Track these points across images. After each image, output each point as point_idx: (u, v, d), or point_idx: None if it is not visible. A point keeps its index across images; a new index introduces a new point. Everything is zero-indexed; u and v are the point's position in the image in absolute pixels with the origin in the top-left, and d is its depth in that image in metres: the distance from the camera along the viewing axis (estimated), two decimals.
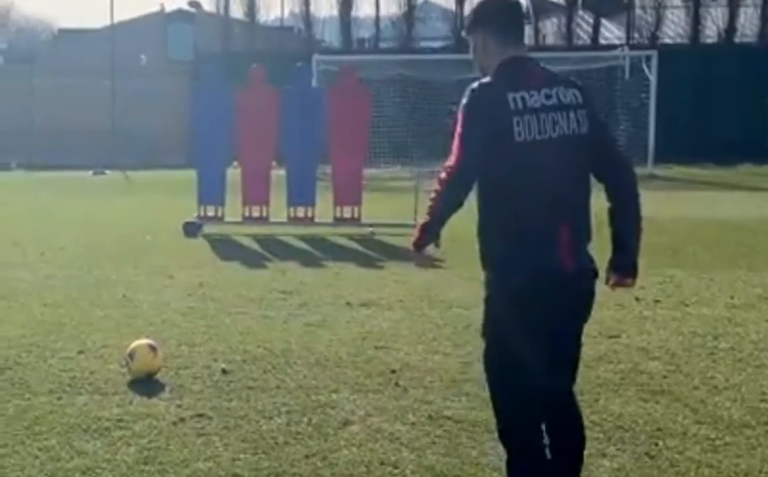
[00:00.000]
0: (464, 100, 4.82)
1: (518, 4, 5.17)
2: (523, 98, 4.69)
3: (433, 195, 4.99)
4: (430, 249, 5.20)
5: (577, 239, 4.89)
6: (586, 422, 6.80)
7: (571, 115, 4.78)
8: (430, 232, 5.09)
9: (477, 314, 10.07)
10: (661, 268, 12.97)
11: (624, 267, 5.13)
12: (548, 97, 4.75)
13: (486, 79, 4.87)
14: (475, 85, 4.85)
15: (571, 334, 5.10)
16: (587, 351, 8.60)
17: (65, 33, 50.62)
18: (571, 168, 4.79)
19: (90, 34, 44.05)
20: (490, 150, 4.71)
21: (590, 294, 5.02)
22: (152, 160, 34.33)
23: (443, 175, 4.92)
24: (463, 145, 4.80)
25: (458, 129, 4.81)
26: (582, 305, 5.03)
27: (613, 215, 5.08)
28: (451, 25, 42.33)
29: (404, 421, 6.93)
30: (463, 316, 10.19)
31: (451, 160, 4.88)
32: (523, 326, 4.80)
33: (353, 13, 42.34)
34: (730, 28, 39.53)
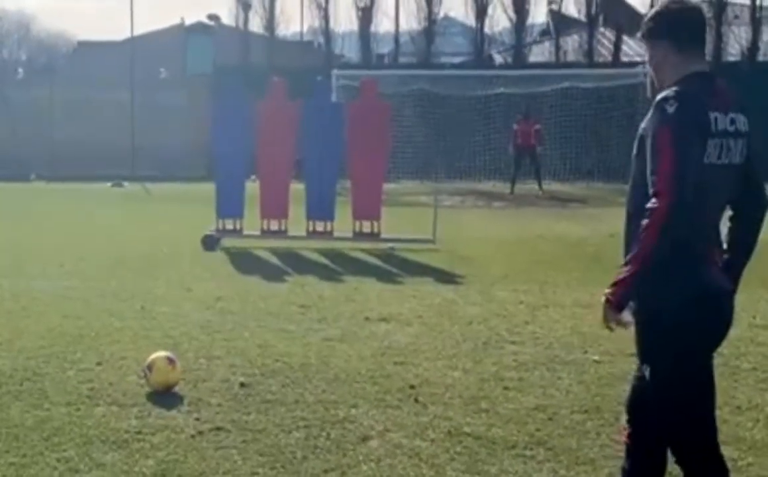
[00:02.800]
0: (670, 110, 4.37)
1: (702, 13, 4.87)
2: (716, 119, 4.45)
3: (641, 242, 4.40)
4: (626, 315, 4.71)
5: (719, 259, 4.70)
6: (607, 440, 6.79)
7: (741, 143, 4.59)
8: (633, 288, 4.58)
9: (496, 330, 10.09)
10: None
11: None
12: (732, 122, 4.54)
13: (688, 90, 4.45)
14: (676, 94, 4.42)
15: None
16: (606, 369, 8.61)
17: (85, 46, 50.81)
18: (728, 193, 4.63)
19: (110, 47, 44.21)
20: None
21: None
22: (171, 173, 34.41)
23: (654, 212, 4.32)
24: (678, 169, 4.29)
25: (664, 148, 4.33)
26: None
27: (734, 237, 4.84)
28: (471, 40, 42.33)
29: (423, 438, 6.89)
30: (482, 332, 10.17)
31: (663, 190, 4.29)
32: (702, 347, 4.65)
33: (373, 28, 42.37)
34: (753, 46, 39.40)
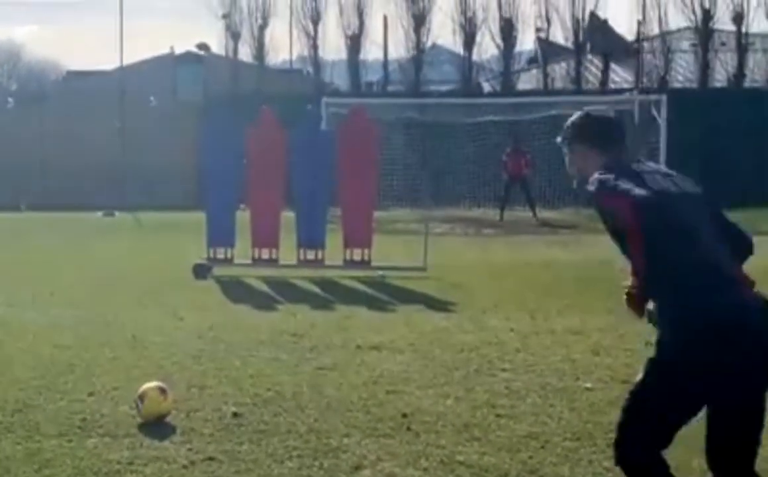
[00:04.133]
0: (599, 180, 4.95)
1: (616, 122, 5.73)
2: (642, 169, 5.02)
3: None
4: None
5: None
6: (599, 468, 6.80)
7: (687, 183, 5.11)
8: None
9: (488, 358, 10.09)
10: None
11: None
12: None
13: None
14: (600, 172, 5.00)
15: None
16: (599, 396, 8.61)
17: (75, 75, 50.82)
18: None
19: (99, 76, 44.21)
20: None
21: None
22: (162, 202, 34.35)
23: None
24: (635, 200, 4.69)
25: (616, 202, 4.78)
26: None
27: None
28: (459, 68, 42.43)
29: (416, 467, 6.88)
30: (474, 360, 10.17)
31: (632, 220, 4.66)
32: None
33: (361, 56, 42.49)
34: (739, 72, 39.57)
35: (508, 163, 30.37)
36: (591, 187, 4.93)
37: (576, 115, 5.56)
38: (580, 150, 5.36)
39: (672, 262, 4.60)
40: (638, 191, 4.64)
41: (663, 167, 5.22)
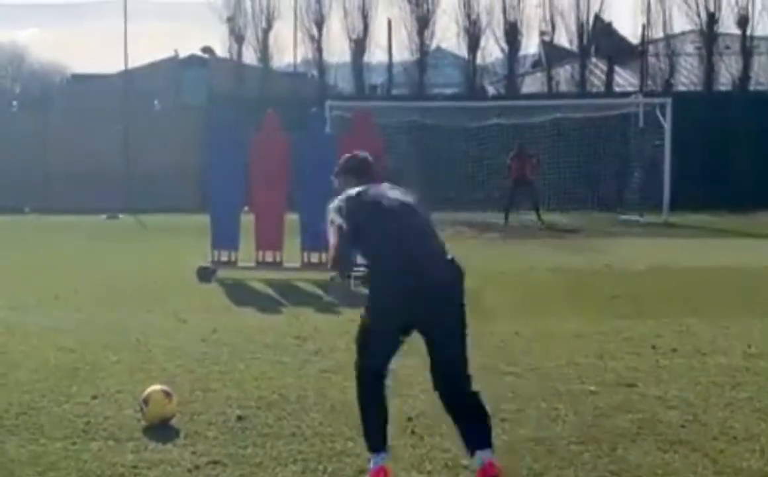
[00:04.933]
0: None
1: (367, 159, 7.42)
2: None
3: None
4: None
5: None
6: (604, 472, 6.79)
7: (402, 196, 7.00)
8: None
9: (493, 361, 10.08)
10: (677, 316, 12.90)
11: None
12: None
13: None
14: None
15: None
16: (603, 399, 8.60)
17: (79, 78, 50.77)
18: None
19: (104, 79, 44.15)
20: None
21: None
22: (166, 205, 34.34)
23: None
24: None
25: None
26: None
27: None
28: (464, 72, 42.38)
29: (420, 470, 6.88)
30: (478, 363, 10.14)
31: None
32: None
33: (366, 59, 42.42)
34: (744, 75, 39.50)
35: (512, 166, 30.32)
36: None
37: (343, 157, 7.59)
38: (341, 180, 7.30)
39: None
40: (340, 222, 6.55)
41: (390, 193, 6.91)
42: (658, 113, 31.77)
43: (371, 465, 6.56)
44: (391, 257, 6.51)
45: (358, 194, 6.74)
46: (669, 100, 31.75)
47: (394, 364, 10.32)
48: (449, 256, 6.85)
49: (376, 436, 6.63)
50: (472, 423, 6.59)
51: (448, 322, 6.64)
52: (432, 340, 6.68)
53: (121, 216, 33.47)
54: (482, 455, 6.41)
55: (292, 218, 17.47)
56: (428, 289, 6.49)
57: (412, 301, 6.46)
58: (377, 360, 6.76)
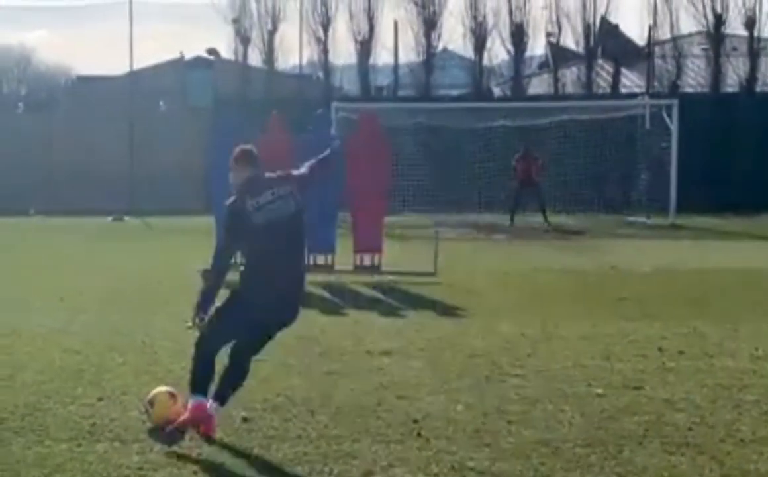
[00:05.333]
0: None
1: (252, 152, 8.79)
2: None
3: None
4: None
5: None
6: (610, 474, 6.77)
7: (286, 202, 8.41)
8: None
9: (498, 364, 10.07)
10: (684, 318, 12.88)
11: None
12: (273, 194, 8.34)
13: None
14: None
15: None
16: (610, 402, 8.58)
17: (85, 80, 50.81)
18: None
19: (109, 81, 44.17)
20: None
21: None
22: (171, 206, 34.33)
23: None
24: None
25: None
26: None
27: None
28: (470, 73, 42.33)
29: (427, 472, 6.86)
30: (484, 365, 10.15)
31: None
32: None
33: (371, 60, 42.37)
34: (751, 77, 39.41)
35: (517, 168, 30.31)
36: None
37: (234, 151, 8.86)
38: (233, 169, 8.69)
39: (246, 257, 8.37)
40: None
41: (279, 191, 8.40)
42: (665, 115, 31.72)
43: (192, 402, 7.78)
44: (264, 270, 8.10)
45: (243, 205, 8.26)
46: (676, 102, 31.69)
47: (401, 367, 10.35)
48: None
49: (203, 382, 7.93)
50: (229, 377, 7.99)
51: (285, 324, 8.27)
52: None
53: (126, 218, 33.47)
54: (213, 404, 7.76)
55: None
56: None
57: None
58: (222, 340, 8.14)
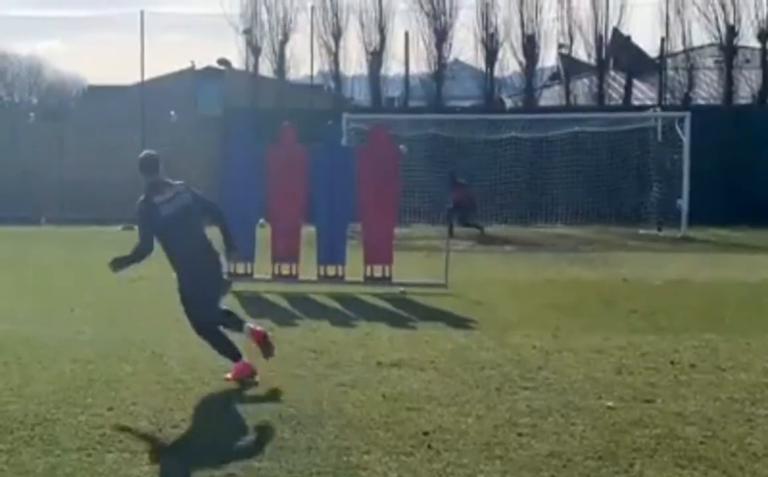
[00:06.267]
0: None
1: (154, 156, 10.48)
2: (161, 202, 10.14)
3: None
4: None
5: None
6: None
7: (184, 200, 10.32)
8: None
9: (509, 376, 10.04)
10: (696, 331, 12.84)
11: None
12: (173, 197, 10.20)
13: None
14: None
15: None
16: (621, 415, 8.54)
17: (96, 90, 50.93)
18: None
19: (120, 91, 44.28)
20: None
21: None
22: None
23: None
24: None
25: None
26: None
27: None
28: (481, 84, 42.34)
29: None
30: (495, 377, 10.11)
31: None
32: None
33: (383, 71, 42.39)
34: (764, 89, 39.33)
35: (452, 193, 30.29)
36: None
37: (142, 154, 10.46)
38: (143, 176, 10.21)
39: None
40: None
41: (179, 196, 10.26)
42: (677, 127, 31.66)
43: (240, 361, 10.02)
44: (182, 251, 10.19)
45: (152, 201, 10.21)
46: (688, 114, 31.64)
47: (411, 379, 10.33)
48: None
49: (231, 350, 10.12)
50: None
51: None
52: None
53: (137, 227, 33.42)
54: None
55: (309, 231, 17.46)
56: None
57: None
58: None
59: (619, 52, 42.39)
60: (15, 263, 21.92)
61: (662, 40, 40.68)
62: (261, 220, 18.64)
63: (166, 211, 10.13)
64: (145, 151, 10.68)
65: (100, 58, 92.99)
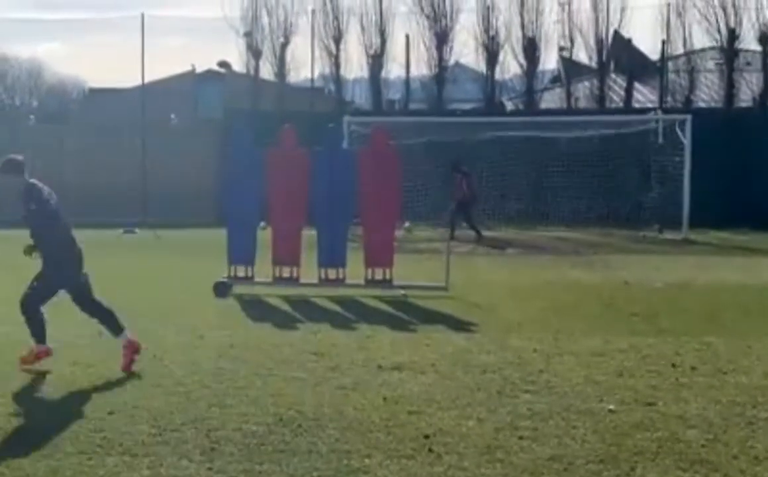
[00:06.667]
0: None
1: (17, 159, 11.06)
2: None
3: None
4: None
5: None
6: None
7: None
8: None
9: (510, 379, 10.02)
10: (697, 334, 12.83)
11: None
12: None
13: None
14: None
15: None
16: (622, 418, 8.53)
17: (96, 92, 50.96)
18: None
19: (121, 94, 44.30)
20: None
21: None
22: (183, 219, 34.38)
23: None
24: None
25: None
26: None
27: None
28: (482, 87, 42.31)
29: None
30: (496, 380, 10.10)
31: None
32: None
33: (383, 74, 42.36)
34: (765, 92, 39.28)
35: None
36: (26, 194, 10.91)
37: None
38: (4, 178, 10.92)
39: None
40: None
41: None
42: (678, 130, 31.63)
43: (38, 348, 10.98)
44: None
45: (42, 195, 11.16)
46: (689, 117, 31.61)
47: (412, 382, 10.33)
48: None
49: (42, 333, 11.18)
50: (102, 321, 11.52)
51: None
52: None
53: (137, 230, 33.51)
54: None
55: (310, 234, 17.45)
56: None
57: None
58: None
59: (620, 54, 42.34)
60: (14, 268, 21.87)
61: (663, 42, 40.63)
62: (262, 223, 18.64)
63: (54, 202, 11.36)
64: (10, 155, 11.28)
65: (100, 60, 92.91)
